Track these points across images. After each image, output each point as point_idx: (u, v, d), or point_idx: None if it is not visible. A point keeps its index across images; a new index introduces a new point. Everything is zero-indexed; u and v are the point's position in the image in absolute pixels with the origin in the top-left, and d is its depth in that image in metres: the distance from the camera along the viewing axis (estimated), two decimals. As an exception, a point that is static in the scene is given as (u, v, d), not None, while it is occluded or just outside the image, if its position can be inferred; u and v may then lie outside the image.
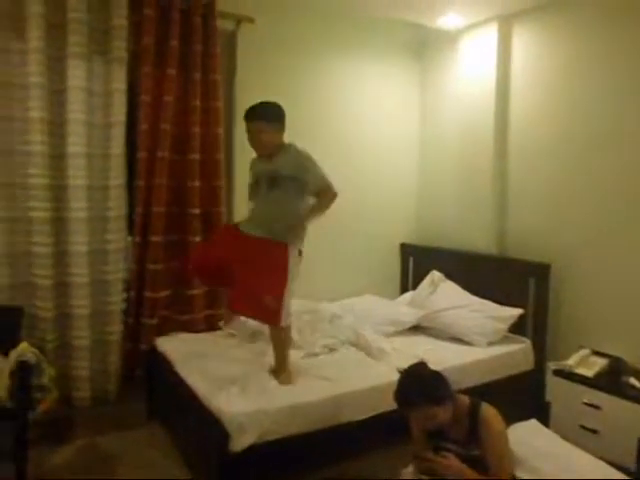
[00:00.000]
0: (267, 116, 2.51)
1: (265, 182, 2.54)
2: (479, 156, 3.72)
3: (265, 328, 2.82)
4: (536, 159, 3.46)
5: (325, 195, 2.55)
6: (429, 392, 1.91)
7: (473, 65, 3.75)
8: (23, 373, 2.29)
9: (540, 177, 3.45)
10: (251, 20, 3.41)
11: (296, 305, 3.24)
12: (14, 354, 2.39)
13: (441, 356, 2.86)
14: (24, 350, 2.41)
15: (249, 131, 2.52)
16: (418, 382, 1.96)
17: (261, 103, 2.55)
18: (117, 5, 2.97)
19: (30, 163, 2.87)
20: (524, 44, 3.54)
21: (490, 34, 3.63)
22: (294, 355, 2.77)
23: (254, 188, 2.64)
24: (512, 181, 3.63)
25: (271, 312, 2.44)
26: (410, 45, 4.19)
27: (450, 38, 3.94)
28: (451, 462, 1.90)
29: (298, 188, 2.51)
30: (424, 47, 4.23)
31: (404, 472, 2.07)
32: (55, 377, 2.60)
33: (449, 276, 3.75)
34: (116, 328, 3.14)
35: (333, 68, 3.87)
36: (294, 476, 2.39)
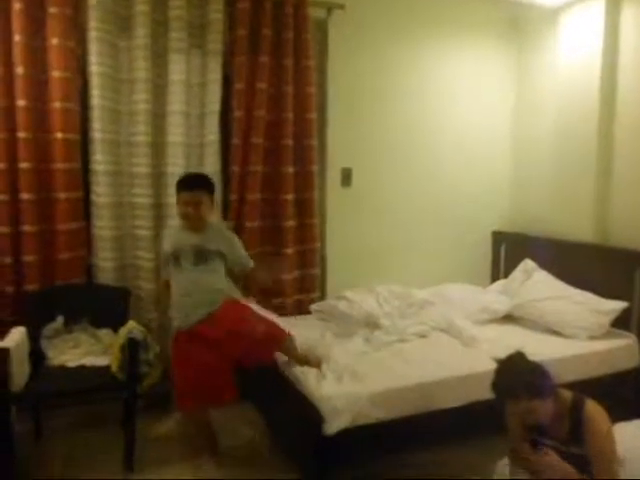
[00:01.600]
0: (209, 187, 2.56)
1: (191, 256, 2.50)
2: (579, 139, 3.52)
3: (357, 310, 2.86)
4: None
5: (246, 273, 2.70)
6: (530, 384, 1.83)
7: (575, 44, 3.53)
8: (132, 349, 2.46)
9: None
10: (341, 6, 3.40)
11: (386, 291, 3.25)
12: (124, 331, 2.57)
13: (537, 347, 2.74)
14: (132, 327, 2.59)
15: (186, 202, 2.48)
16: (518, 373, 1.89)
17: (198, 174, 2.69)
18: (214, 1, 3.08)
19: (134, 153, 3.05)
20: (636, 20, 3.27)
21: (596, 9, 3.40)
22: (385, 338, 2.79)
23: (172, 262, 2.54)
24: (617, 165, 3.40)
25: (273, 334, 2.53)
26: (506, 24, 4.02)
27: (549, 15, 3.73)
28: (552, 459, 1.81)
29: (223, 264, 2.55)
30: (521, 26, 4.03)
31: (499, 464, 2.03)
32: (158, 354, 2.77)
33: (543, 265, 3.60)
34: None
35: (425, 51, 3.80)
36: (386, 461, 2.41)
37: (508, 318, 3.32)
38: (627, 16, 3.32)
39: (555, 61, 3.72)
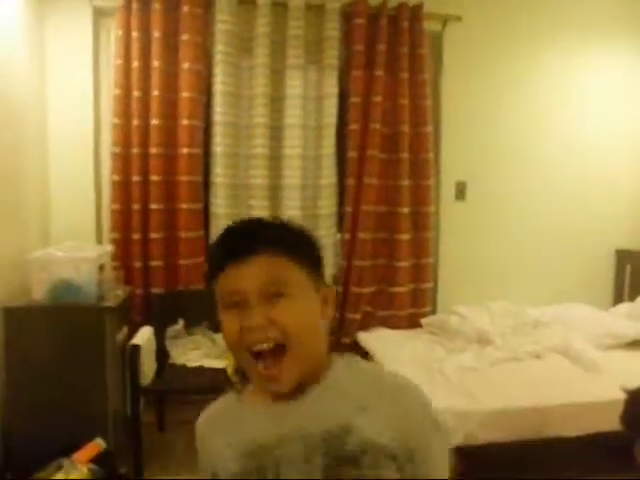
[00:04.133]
0: (299, 248, 0.93)
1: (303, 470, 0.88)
2: None
3: (469, 325, 2.79)
4: None
5: None
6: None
7: None
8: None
9: None
10: (458, 18, 3.37)
11: (499, 307, 3.15)
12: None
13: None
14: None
15: (239, 303, 0.90)
16: None
17: (258, 220, 0.98)
18: (330, 19, 3.17)
19: (252, 165, 3.19)
20: None
21: None
22: (497, 355, 2.71)
23: None
24: None
25: None
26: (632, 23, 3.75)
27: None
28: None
29: None
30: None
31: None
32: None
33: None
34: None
35: (546, 61, 3.62)
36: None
37: (635, 345, 3.06)
38: None
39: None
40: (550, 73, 3.66)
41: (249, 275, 0.85)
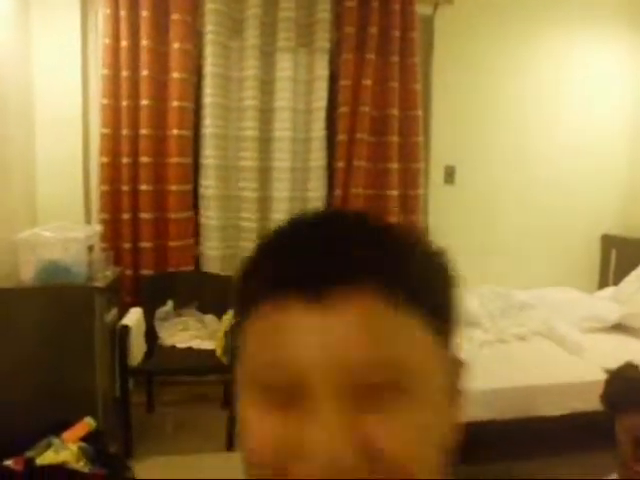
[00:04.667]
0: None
1: None
2: None
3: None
4: None
5: None
6: (643, 400, 1.74)
7: None
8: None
9: None
10: (450, 1, 3.36)
11: (486, 290, 3.19)
12: (228, 317, 2.72)
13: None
14: (237, 314, 2.73)
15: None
16: (630, 387, 1.80)
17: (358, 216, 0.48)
18: (322, 1, 3.16)
19: (242, 147, 3.19)
20: None
21: None
22: (484, 337, 2.74)
23: None
24: None
25: None
26: (629, 6, 3.76)
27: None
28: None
29: None
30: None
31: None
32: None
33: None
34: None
35: (537, 46, 3.63)
36: (485, 464, 2.37)
37: (618, 328, 3.12)
38: None
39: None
40: (540, 58, 3.67)
41: (330, 336, 0.39)
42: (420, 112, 3.33)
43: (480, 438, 2.28)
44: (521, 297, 3.24)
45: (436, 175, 3.54)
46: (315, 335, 0.39)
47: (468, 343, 2.74)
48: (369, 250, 0.40)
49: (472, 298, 3.10)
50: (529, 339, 2.87)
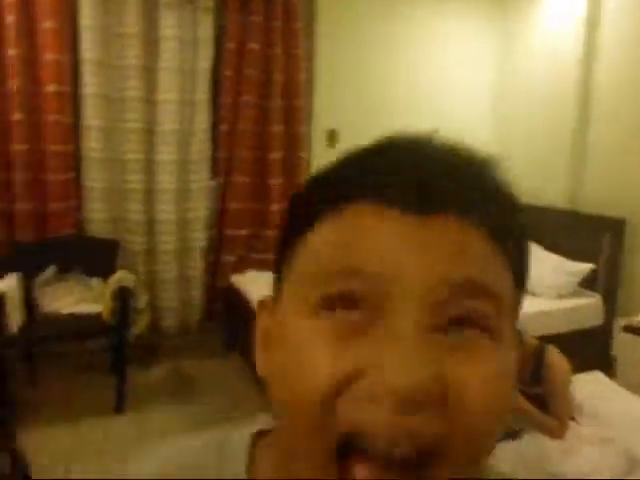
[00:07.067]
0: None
1: None
2: (558, 107, 3.62)
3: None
4: (620, 107, 3.34)
5: None
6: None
7: (560, 8, 3.61)
8: (124, 296, 2.57)
9: (622, 127, 3.32)
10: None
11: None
12: (115, 279, 2.68)
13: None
14: (123, 276, 2.69)
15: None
16: None
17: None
18: (206, -45, 3.09)
19: (125, 108, 3.09)
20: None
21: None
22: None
23: None
24: (592, 132, 3.52)
25: None
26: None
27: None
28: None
29: None
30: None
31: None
32: (148, 303, 2.89)
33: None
34: (198, 264, 3.36)
35: (415, 12, 3.79)
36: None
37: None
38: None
39: (539, 25, 3.77)
40: (417, 26, 3.84)
41: (428, 247, 0.36)
42: (303, 76, 3.39)
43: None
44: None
45: (319, 138, 3.64)
46: (411, 243, 0.35)
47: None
48: (474, 183, 0.40)
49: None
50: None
